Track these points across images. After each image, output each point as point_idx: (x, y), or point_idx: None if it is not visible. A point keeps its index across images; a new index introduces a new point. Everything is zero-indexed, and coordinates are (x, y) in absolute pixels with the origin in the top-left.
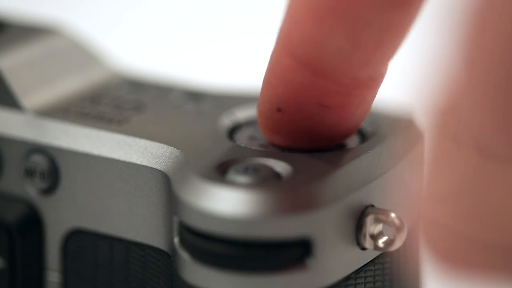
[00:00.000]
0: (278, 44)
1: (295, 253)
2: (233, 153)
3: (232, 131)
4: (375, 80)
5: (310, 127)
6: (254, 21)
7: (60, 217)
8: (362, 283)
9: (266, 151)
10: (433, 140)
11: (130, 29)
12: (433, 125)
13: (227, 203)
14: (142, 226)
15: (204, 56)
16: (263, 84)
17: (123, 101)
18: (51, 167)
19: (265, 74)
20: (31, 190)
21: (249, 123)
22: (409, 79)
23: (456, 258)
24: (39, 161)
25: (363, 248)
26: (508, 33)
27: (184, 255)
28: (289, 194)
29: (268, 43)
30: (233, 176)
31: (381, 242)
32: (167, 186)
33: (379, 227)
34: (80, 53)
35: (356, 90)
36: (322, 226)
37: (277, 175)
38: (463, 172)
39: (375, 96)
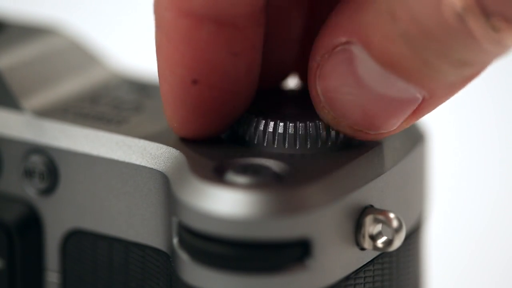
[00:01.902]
0: (170, 12)
1: (294, 253)
2: (232, 154)
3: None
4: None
5: (228, 89)
6: None
7: (59, 218)
8: (361, 283)
9: (265, 151)
10: None
11: (130, 29)
12: None
13: (226, 203)
14: (141, 227)
15: None
16: (163, 69)
17: (122, 101)
18: (50, 167)
19: (164, 54)
20: (30, 191)
21: None
22: None
23: None
24: (38, 161)
25: (362, 249)
26: None
27: (183, 256)
28: (288, 195)
29: None
30: (232, 176)
31: (380, 242)
32: (166, 187)
33: (378, 228)
34: (79, 53)
35: (255, 28)
36: (321, 226)
37: (276, 176)
38: None
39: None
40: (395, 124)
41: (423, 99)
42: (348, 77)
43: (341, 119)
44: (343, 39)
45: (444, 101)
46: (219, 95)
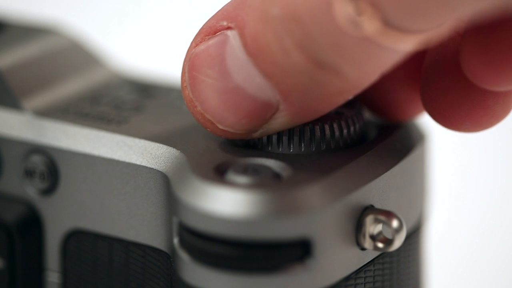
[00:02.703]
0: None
1: (295, 253)
2: (232, 154)
3: None
4: None
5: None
6: None
7: (60, 218)
8: (362, 283)
9: (265, 152)
10: None
11: (130, 29)
12: None
13: (226, 203)
14: (142, 227)
15: None
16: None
17: (123, 101)
18: (50, 167)
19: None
20: (30, 191)
21: None
22: None
23: None
24: (38, 161)
25: (363, 249)
26: None
27: (183, 256)
28: (288, 195)
29: None
30: (233, 176)
31: (380, 242)
32: (166, 187)
33: (378, 228)
34: (80, 53)
35: None
36: (322, 226)
37: (276, 176)
38: None
39: None
40: (245, 127)
41: (277, 110)
42: (215, 61)
43: (197, 103)
44: (225, 24)
45: (298, 118)
46: None
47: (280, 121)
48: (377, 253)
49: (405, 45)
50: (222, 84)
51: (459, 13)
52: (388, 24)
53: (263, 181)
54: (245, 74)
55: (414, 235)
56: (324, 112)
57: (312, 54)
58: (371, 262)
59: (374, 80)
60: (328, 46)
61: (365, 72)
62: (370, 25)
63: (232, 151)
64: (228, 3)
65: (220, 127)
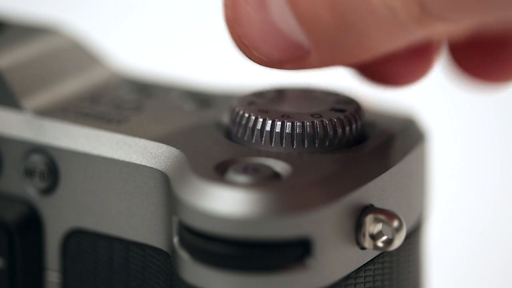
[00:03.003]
0: None
1: (294, 253)
2: (232, 153)
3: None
4: None
5: None
6: None
7: (60, 217)
8: (361, 282)
9: (265, 151)
10: None
11: (130, 29)
12: None
13: (226, 203)
14: (142, 226)
15: (204, 56)
16: None
17: (123, 101)
18: (50, 167)
19: None
20: (30, 190)
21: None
22: None
23: None
24: (38, 161)
25: (363, 248)
26: None
27: (183, 255)
28: (288, 194)
29: None
30: (233, 176)
31: (380, 241)
32: (166, 186)
33: (378, 227)
34: (79, 53)
35: None
36: (322, 226)
37: (276, 175)
38: None
39: None
40: (278, 59)
41: (309, 53)
42: None
43: (237, 25)
44: None
45: (328, 63)
46: None
47: (311, 62)
48: (377, 253)
49: (434, 31)
50: (260, 16)
51: (496, 10)
52: (425, 11)
53: (263, 180)
54: (282, 14)
55: (414, 235)
56: (353, 62)
57: (341, 15)
58: (371, 261)
59: (394, 51)
60: (359, 18)
61: (389, 46)
62: (407, 12)
63: (232, 150)
64: None
65: (255, 54)
